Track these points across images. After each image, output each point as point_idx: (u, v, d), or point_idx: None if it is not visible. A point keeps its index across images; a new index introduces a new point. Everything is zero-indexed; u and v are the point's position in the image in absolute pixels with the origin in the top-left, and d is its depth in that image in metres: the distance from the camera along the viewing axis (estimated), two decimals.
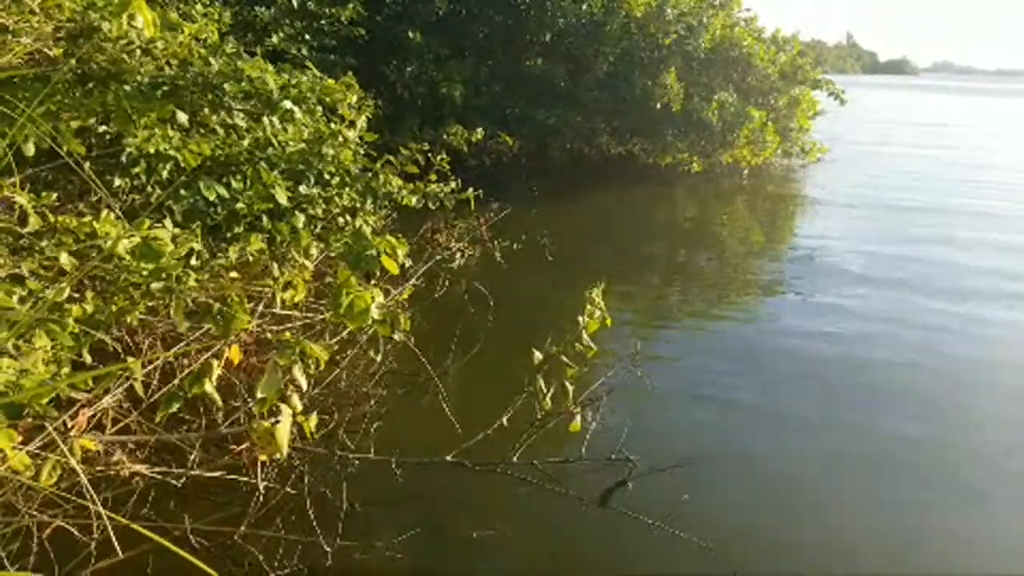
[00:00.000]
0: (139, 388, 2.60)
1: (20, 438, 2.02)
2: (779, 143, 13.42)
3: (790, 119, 13.80)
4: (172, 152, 3.48)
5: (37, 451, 2.13)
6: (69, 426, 2.35)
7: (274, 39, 8.77)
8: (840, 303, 6.45)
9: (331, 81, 4.69)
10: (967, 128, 26.67)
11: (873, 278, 7.20)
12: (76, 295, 2.64)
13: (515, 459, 3.54)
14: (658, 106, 11.60)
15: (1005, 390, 4.87)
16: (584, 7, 11.55)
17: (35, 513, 2.39)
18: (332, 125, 4.48)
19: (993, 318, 6.14)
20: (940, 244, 8.76)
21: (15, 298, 2.29)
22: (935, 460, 3.98)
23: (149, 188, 3.59)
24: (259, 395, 2.48)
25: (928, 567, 3.16)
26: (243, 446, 2.95)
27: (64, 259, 2.53)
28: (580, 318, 3.65)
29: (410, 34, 10.57)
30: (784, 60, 13.38)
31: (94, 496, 2.02)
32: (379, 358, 4.18)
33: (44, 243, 2.68)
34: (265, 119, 4.16)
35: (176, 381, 2.84)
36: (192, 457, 3.00)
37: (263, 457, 2.62)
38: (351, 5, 9.56)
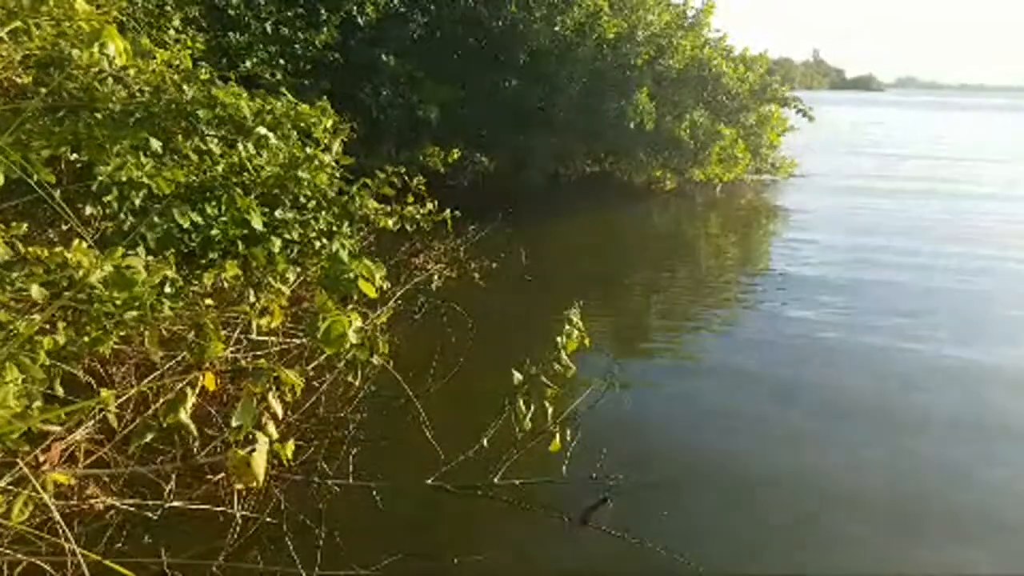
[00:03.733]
0: (113, 420, 2.56)
1: None
2: (750, 160, 13.65)
3: (760, 136, 14.06)
4: (145, 179, 3.46)
5: (8, 487, 2.09)
6: (41, 460, 2.31)
7: (248, 64, 8.77)
8: (809, 318, 6.55)
9: (305, 107, 4.69)
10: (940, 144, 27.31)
11: (838, 299, 7.34)
12: (47, 326, 2.60)
13: (496, 480, 3.53)
14: (631, 126, 11.75)
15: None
16: (557, 29, 11.71)
17: (6, 551, 2.34)
18: (307, 149, 4.48)
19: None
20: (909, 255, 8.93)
21: None
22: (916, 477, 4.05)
23: (122, 216, 3.56)
24: (234, 423, 2.46)
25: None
26: (220, 476, 2.92)
27: (35, 291, 2.50)
28: (559, 338, 3.66)
29: (384, 57, 10.62)
30: (753, 79, 13.65)
31: (67, 532, 1.98)
32: (358, 382, 4.16)
33: (14, 274, 2.64)
34: (240, 144, 4.16)
35: (151, 411, 2.80)
36: (168, 488, 2.95)
37: (239, 486, 2.59)
38: (325, 30, 9.61)
